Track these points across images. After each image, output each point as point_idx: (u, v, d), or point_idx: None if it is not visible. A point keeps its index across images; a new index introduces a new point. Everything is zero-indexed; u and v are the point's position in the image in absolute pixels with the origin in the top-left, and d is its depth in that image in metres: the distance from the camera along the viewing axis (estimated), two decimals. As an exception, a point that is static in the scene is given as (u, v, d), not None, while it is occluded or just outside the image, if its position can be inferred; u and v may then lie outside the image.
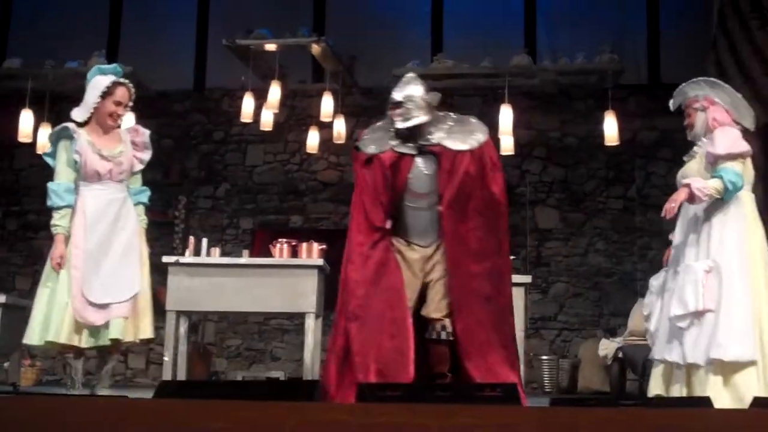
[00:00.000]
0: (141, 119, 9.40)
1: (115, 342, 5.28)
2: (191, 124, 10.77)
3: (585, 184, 10.18)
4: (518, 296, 7.17)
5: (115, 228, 5.33)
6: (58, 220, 5.23)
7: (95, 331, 5.20)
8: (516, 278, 7.34)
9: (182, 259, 7.35)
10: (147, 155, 5.55)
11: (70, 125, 5.31)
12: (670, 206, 4.87)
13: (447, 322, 4.80)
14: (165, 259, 7.40)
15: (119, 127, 5.52)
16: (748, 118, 5.10)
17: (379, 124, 5.13)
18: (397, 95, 4.96)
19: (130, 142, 5.47)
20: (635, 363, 7.67)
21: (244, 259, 7.52)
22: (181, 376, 7.36)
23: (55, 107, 9.43)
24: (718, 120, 5.01)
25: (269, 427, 2.55)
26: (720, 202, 4.85)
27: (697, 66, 8.63)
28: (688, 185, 4.85)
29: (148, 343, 9.76)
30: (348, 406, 2.54)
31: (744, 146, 4.88)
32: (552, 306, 10.04)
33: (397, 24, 10.47)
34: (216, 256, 7.50)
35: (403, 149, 4.94)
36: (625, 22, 10.16)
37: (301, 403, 2.62)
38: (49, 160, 5.39)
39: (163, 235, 10.37)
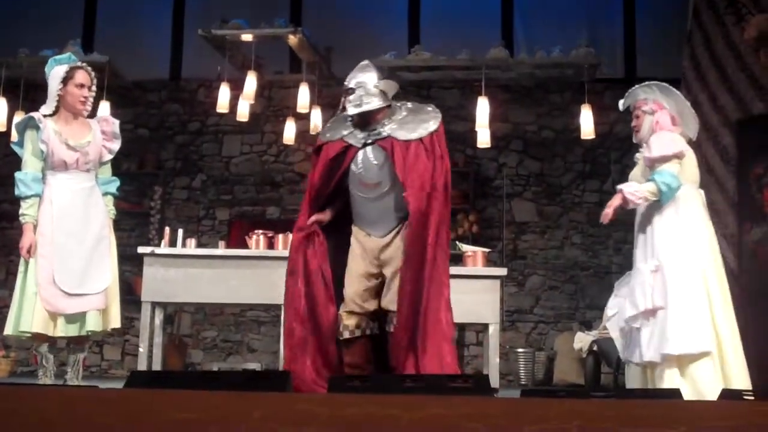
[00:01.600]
0: (116, 109, 9.37)
1: (92, 333, 5.36)
2: (167, 114, 10.72)
3: (561, 177, 10.22)
4: (494, 289, 7.20)
5: (85, 218, 5.36)
6: (26, 209, 5.26)
7: (70, 320, 5.23)
8: (492, 271, 7.39)
9: (158, 250, 7.32)
10: (116, 145, 5.58)
11: (36, 115, 5.34)
12: (606, 212, 5.05)
13: None
14: (140, 249, 7.38)
15: (88, 114, 5.53)
16: (693, 127, 5.23)
17: (342, 113, 5.13)
18: (350, 82, 4.99)
19: (99, 132, 5.49)
20: (610, 356, 7.70)
21: (220, 251, 7.50)
22: (156, 367, 7.34)
23: (30, 95, 9.36)
24: (661, 124, 5.13)
25: (239, 417, 2.54)
26: (663, 202, 5.00)
27: (672, 60, 8.69)
28: (620, 190, 5.05)
29: (123, 334, 9.75)
30: (318, 396, 2.54)
31: (677, 147, 5.01)
32: (528, 299, 10.07)
33: (374, 15, 10.45)
34: (192, 247, 7.48)
35: (352, 140, 4.96)
36: (601, 16, 10.19)
37: (271, 393, 2.61)
38: (16, 149, 5.44)
39: (139, 225, 10.34)
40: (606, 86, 10.01)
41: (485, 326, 7.29)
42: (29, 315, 5.13)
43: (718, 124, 7.34)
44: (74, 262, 5.25)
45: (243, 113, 9.08)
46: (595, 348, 7.93)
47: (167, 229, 7.72)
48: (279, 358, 7.21)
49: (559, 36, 9.43)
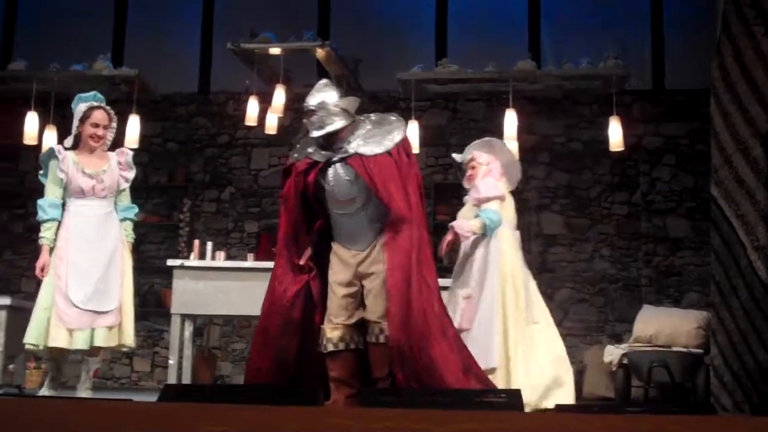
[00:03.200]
0: (145, 122, 9.45)
1: (97, 348, 5.73)
2: (196, 128, 10.78)
3: (590, 189, 10.17)
4: (523, 302, 7.16)
5: (99, 241, 5.74)
6: (44, 232, 5.70)
7: (82, 335, 5.59)
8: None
9: (187, 263, 7.38)
10: (131, 174, 5.98)
11: (56, 147, 5.82)
12: (441, 246, 5.91)
13: (384, 324, 4.77)
14: (170, 262, 7.43)
15: (106, 147, 5.95)
16: (515, 178, 6.29)
17: (305, 136, 5.11)
18: (310, 102, 4.92)
19: (116, 163, 5.90)
20: (640, 369, 7.66)
21: (249, 263, 7.54)
22: (186, 379, 7.38)
23: (60, 109, 9.45)
24: (492, 173, 6.07)
25: (271, 431, 2.55)
26: (483, 238, 5.86)
27: (701, 71, 8.64)
28: (452, 227, 5.95)
29: (153, 346, 9.79)
30: (349, 410, 2.54)
31: (499, 191, 5.98)
32: (557, 312, 9.97)
33: (401, 28, 10.47)
34: (221, 260, 7.52)
35: (317, 156, 4.92)
36: (629, 28, 10.16)
37: (302, 407, 2.62)
38: (42, 179, 5.87)
39: (168, 238, 10.40)
40: (634, 98, 9.99)
41: (514, 339, 7.26)
42: (42, 329, 5.54)
43: (748, 136, 7.27)
44: (87, 282, 5.62)
45: (271, 126, 9.13)
46: (625, 361, 7.87)
47: (197, 242, 7.77)
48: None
49: (586, 48, 9.39)
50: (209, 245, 7.62)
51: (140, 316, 10.18)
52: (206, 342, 9.98)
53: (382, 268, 4.79)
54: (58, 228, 5.70)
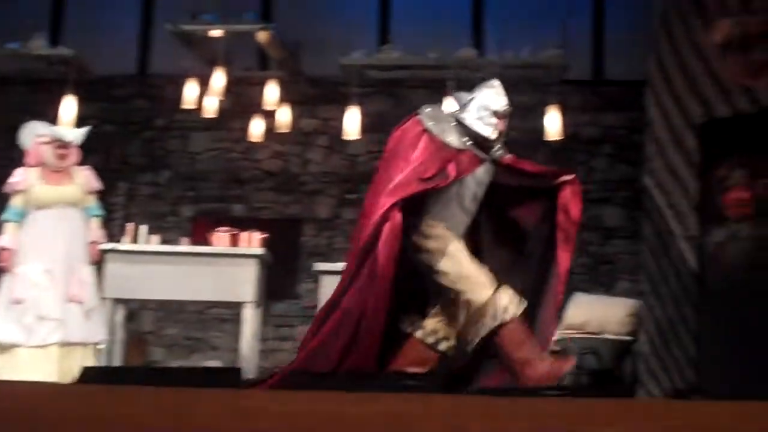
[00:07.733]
0: (82, 104, 9.27)
1: None
2: (133, 110, 10.61)
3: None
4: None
5: None
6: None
7: None
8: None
9: (119, 246, 7.27)
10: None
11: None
12: None
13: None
14: (102, 245, 7.30)
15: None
16: None
17: (430, 110, 4.86)
18: (506, 104, 4.85)
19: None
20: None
21: (183, 247, 7.45)
22: (117, 363, 7.27)
23: (-5, 89, 9.25)
24: None
25: (191, 413, 2.52)
26: None
27: (640, 64, 8.73)
28: None
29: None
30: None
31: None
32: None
33: (345, 12, 10.41)
34: (154, 244, 7.42)
35: (478, 153, 4.71)
36: (570, 16, 10.19)
37: (220, 389, 2.59)
38: None
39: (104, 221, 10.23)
40: (574, 88, 10.04)
41: None
42: None
43: (682, 127, 7.38)
44: None
45: (210, 109, 9.03)
46: (557, 348, 7.93)
47: (129, 225, 7.66)
48: (239, 355, 7.17)
49: (529, 37, 9.42)
50: (143, 228, 7.52)
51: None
52: (138, 327, 9.86)
53: None
54: None
